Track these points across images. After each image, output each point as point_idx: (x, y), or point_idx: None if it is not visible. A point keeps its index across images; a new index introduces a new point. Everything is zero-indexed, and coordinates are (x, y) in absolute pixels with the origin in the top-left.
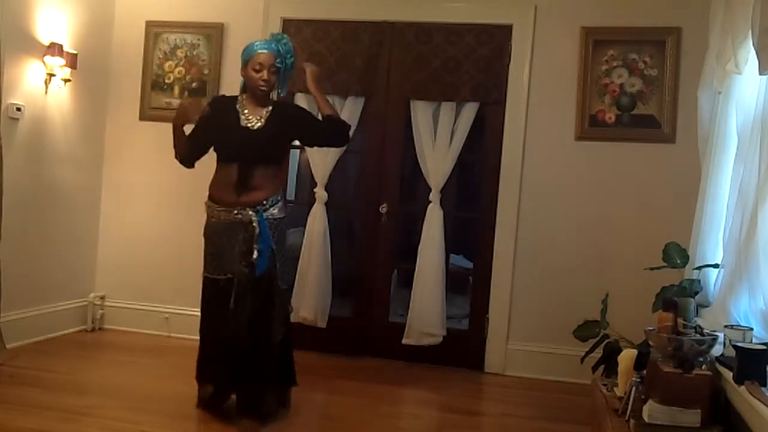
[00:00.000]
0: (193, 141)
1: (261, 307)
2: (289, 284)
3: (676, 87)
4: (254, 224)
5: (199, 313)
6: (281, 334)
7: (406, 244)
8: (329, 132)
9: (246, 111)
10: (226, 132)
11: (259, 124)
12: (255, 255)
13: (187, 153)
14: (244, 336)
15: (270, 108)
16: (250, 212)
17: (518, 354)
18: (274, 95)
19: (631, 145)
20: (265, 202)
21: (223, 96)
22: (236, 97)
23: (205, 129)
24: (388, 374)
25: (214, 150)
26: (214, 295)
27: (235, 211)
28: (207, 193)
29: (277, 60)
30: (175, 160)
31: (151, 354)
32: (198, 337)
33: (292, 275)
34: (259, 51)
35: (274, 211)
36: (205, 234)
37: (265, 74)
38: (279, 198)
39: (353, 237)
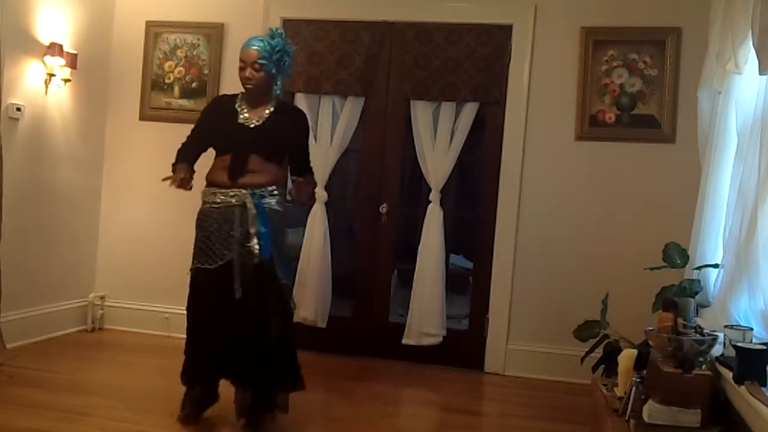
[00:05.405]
0: (193, 140)
1: (259, 296)
2: (289, 280)
3: (676, 87)
4: (250, 205)
5: None
6: (278, 330)
7: (406, 244)
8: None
9: (245, 109)
10: (223, 128)
11: (256, 122)
12: (254, 240)
13: (186, 154)
14: (249, 327)
15: (272, 109)
16: (246, 193)
17: (518, 354)
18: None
19: (631, 145)
20: (262, 189)
21: (225, 95)
22: (237, 95)
23: (204, 128)
24: (388, 374)
25: (213, 147)
26: (204, 286)
27: (231, 193)
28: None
29: (262, 57)
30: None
31: (151, 354)
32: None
33: (292, 274)
34: (244, 48)
35: (272, 201)
36: (196, 222)
37: (247, 71)
38: (278, 192)
39: (353, 237)
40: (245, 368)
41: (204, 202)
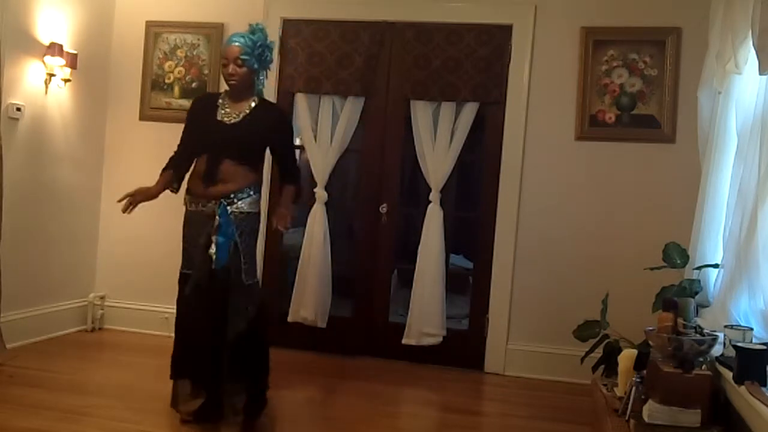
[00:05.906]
0: (182, 148)
1: (219, 301)
2: (255, 280)
3: (676, 87)
4: (217, 216)
5: None
6: (242, 330)
7: (406, 244)
8: (288, 180)
9: (226, 105)
10: (202, 125)
11: (235, 118)
12: (212, 248)
13: (177, 162)
14: (204, 331)
15: (253, 105)
16: (214, 204)
17: (518, 354)
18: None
19: (631, 145)
20: (232, 195)
21: (207, 93)
22: (220, 93)
23: (190, 129)
24: (388, 374)
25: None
26: (186, 290)
27: (201, 204)
28: None
29: (244, 53)
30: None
31: (151, 354)
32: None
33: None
34: (225, 45)
35: (242, 204)
36: (182, 228)
37: (230, 68)
38: (251, 192)
39: (353, 237)
40: (221, 369)
41: (186, 209)
